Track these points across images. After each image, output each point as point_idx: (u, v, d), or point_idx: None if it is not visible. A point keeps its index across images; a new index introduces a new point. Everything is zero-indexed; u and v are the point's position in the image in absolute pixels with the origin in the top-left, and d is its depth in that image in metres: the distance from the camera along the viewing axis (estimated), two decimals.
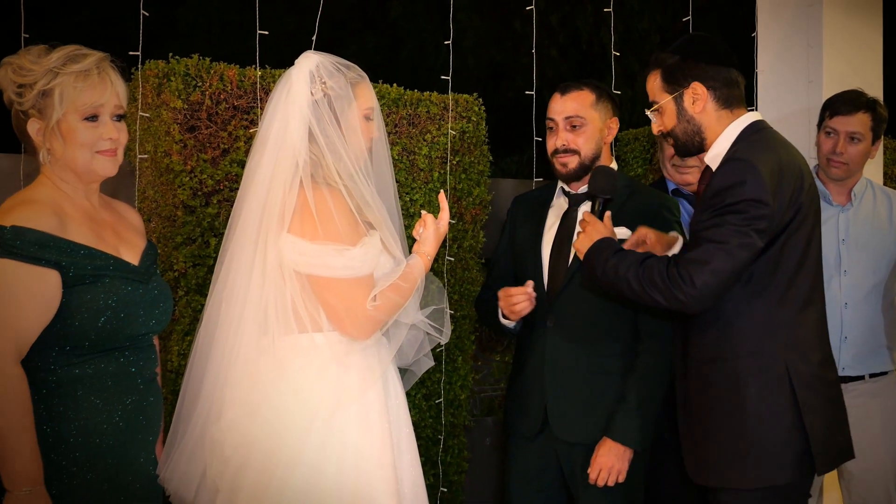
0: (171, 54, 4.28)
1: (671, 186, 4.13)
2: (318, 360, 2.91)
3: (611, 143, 3.76)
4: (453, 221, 4.93)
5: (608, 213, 3.37)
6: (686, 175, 4.06)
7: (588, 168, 3.66)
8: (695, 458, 3.22)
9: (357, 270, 2.86)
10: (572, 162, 3.67)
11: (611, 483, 3.48)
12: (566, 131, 3.66)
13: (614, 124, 3.75)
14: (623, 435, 3.48)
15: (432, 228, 3.17)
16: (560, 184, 3.80)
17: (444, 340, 3.18)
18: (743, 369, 3.10)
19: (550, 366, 3.61)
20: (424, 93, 5.01)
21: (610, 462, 3.47)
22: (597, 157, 3.68)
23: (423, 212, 3.23)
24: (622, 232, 3.53)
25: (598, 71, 11.03)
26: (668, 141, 3.40)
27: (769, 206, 3.01)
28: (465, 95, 5.15)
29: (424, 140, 4.92)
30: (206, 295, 3.99)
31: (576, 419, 3.57)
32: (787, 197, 3.07)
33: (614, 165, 3.76)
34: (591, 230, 3.28)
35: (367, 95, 3.06)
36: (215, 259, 4.27)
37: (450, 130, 4.93)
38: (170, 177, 4.21)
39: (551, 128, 3.72)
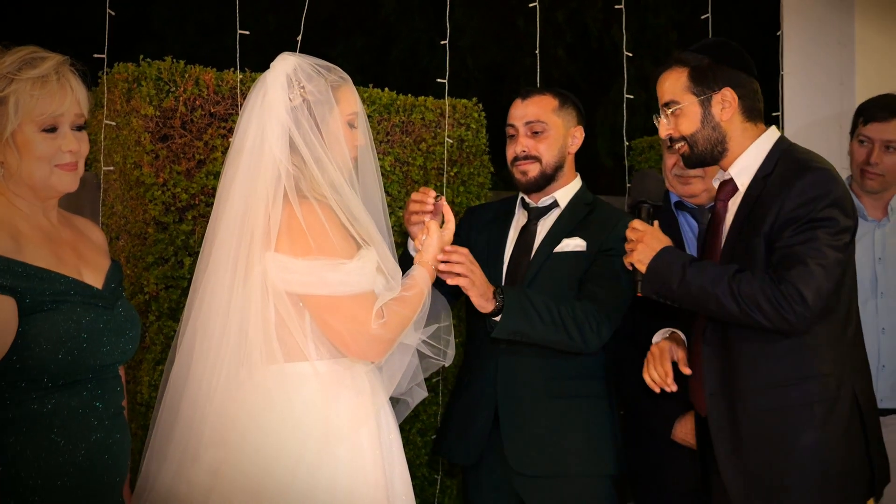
0: (141, 56, 4.28)
1: (674, 199, 4.13)
2: (306, 392, 2.88)
3: (574, 155, 3.84)
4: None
5: (657, 222, 3.38)
6: (690, 186, 4.05)
7: (550, 177, 3.77)
8: (751, 484, 3.22)
9: (356, 286, 2.85)
10: (533, 170, 3.76)
11: None
12: (526, 137, 3.77)
13: (579, 133, 3.84)
14: None
15: (436, 236, 3.21)
16: (520, 195, 3.86)
17: (447, 362, 3.18)
18: (815, 393, 3.16)
19: (503, 389, 3.61)
20: (419, 97, 5.02)
21: None
22: (559, 166, 3.78)
23: (426, 219, 3.26)
24: (576, 243, 3.65)
25: (609, 72, 11.05)
26: (674, 147, 3.41)
27: (851, 219, 3.14)
28: (464, 100, 5.15)
29: (419, 150, 4.92)
30: (180, 320, 3.98)
31: (534, 451, 3.58)
32: (851, 211, 3.18)
33: (577, 181, 3.83)
34: (649, 239, 3.28)
35: (349, 100, 3.05)
36: (190, 280, 4.27)
37: (447, 139, 4.93)
38: (140, 190, 4.20)
39: (511, 135, 3.83)
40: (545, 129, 3.77)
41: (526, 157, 3.77)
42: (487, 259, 3.75)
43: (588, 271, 3.65)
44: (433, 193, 3.40)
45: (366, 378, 2.99)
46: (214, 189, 4.28)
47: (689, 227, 4.07)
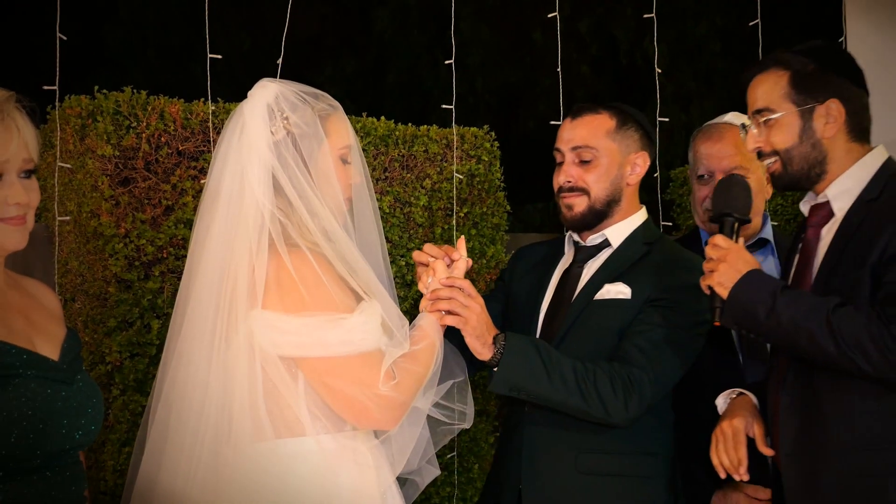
0: (96, 87, 4.34)
1: (705, 237, 4.15)
2: (302, 473, 2.89)
3: (637, 186, 3.77)
4: None
5: (742, 239, 3.34)
6: None
7: (600, 214, 3.69)
8: None
9: (360, 344, 2.86)
10: (579, 204, 3.68)
11: None
12: (573, 165, 3.69)
13: (642, 160, 3.74)
14: None
15: (443, 277, 3.22)
16: (570, 233, 3.83)
17: (467, 424, 3.18)
18: None
19: (528, 462, 3.58)
20: (421, 127, 5.07)
21: None
22: (612, 200, 3.68)
23: (431, 259, 3.26)
24: (619, 290, 3.60)
25: (643, 90, 11.11)
26: (767, 166, 3.39)
27: None
28: (474, 129, 5.20)
29: (423, 187, 4.95)
30: (149, 394, 3.98)
31: None
32: None
33: (640, 215, 3.77)
34: (733, 259, 3.20)
35: (341, 131, 3.07)
36: (159, 347, 4.30)
37: (455, 174, 4.96)
38: (99, 243, 4.25)
39: (559, 162, 3.75)
40: (595, 157, 3.66)
41: (571, 189, 3.71)
42: (524, 309, 3.73)
43: (630, 325, 3.56)
44: (436, 250, 3.38)
45: (370, 455, 2.99)
46: (185, 240, 4.32)
47: None
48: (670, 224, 5.75)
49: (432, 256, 3.34)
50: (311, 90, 3.10)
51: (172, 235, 4.33)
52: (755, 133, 3.34)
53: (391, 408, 2.90)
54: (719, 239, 3.25)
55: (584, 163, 3.66)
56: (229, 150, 3.05)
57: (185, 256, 4.27)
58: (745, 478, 3.29)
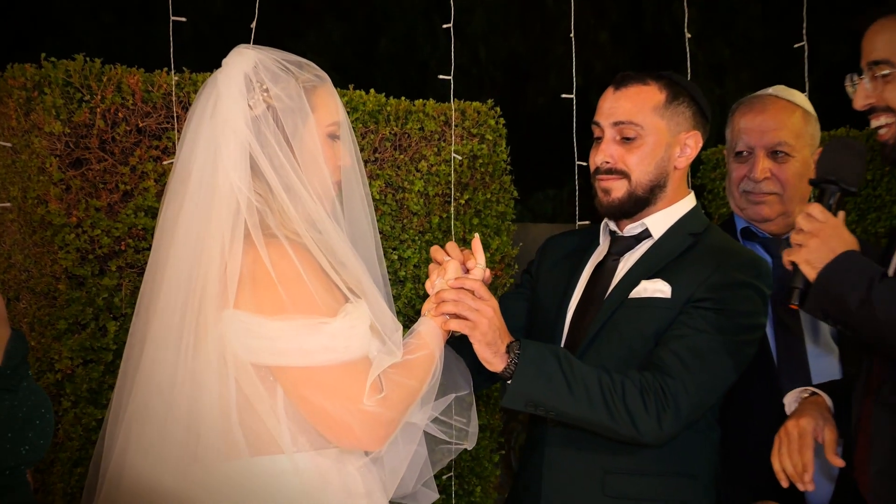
0: (44, 55, 4.33)
1: (740, 224, 4.14)
2: (280, 496, 2.89)
3: (687, 170, 3.73)
4: None
5: (842, 213, 3.25)
6: (762, 207, 4.06)
7: (642, 201, 3.61)
8: None
9: (344, 353, 2.84)
10: (618, 189, 3.61)
11: None
12: (614, 143, 3.63)
13: (693, 141, 3.68)
14: None
15: (453, 278, 3.19)
16: (606, 220, 3.78)
17: (469, 444, 3.16)
18: None
19: (549, 484, 3.57)
20: (416, 101, 5.06)
21: None
22: (657, 185, 3.61)
23: (445, 257, 3.24)
24: (657, 288, 3.53)
25: (669, 61, 11.11)
26: (878, 131, 3.32)
27: None
28: (476, 104, 5.19)
29: (418, 170, 4.95)
30: (105, 406, 3.97)
31: None
32: None
33: (687, 202, 3.72)
34: (828, 235, 3.07)
35: (329, 105, 3.05)
36: (116, 353, 4.29)
37: (454, 155, 4.96)
38: (47, 234, 4.24)
39: (597, 137, 3.69)
40: (640, 136, 3.58)
41: (609, 172, 3.66)
42: (549, 308, 3.70)
43: (668, 329, 3.48)
44: (457, 252, 3.36)
45: (359, 476, 2.99)
46: (145, 230, 4.31)
47: None
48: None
49: (449, 256, 3.34)
50: (295, 58, 3.10)
51: (132, 225, 4.32)
52: (867, 87, 3.26)
53: (376, 425, 2.88)
54: (815, 209, 3.15)
55: (626, 140, 3.60)
56: (201, 127, 3.04)
57: (147, 249, 4.28)
58: (811, 487, 3.21)
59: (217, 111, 3.03)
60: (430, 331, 3.07)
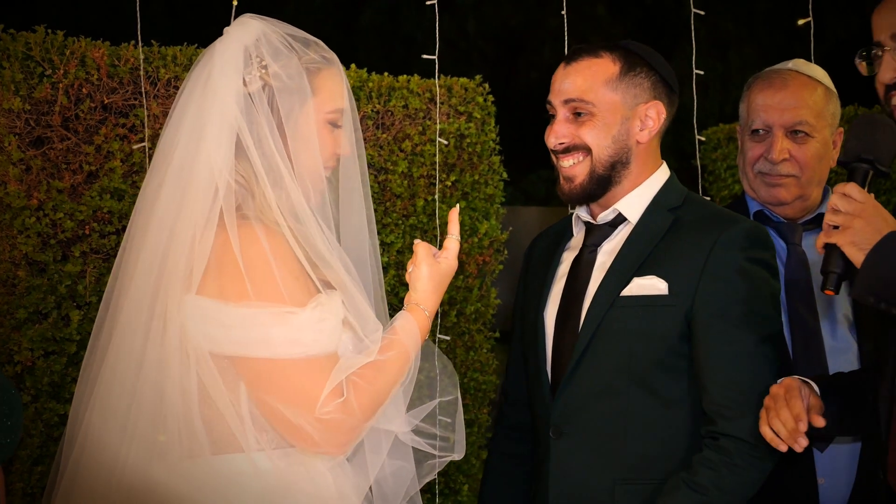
0: (2, 27, 4.30)
1: (753, 207, 4.12)
2: (236, 498, 2.87)
3: (654, 143, 3.67)
4: (453, 279, 4.91)
5: (872, 195, 3.21)
6: (779, 189, 4.04)
7: (605, 180, 3.57)
8: None
9: (311, 346, 2.83)
10: (580, 172, 3.59)
11: None
12: (566, 122, 3.60)
13: (655, 111, 3.62)
14: None
15: (425, 264, 3.12)
16: (577, 210, 3.74)
17: (457, 454, 3.13)
18: None
19: (557, 498, 3.56)
20: (399, 77, 5.03)
21: None
22: (618, 163, 3.56)
23: (417, 240, 3.19)
24: (652, 284, 3.49)
25: (671, 38, 11.10)
26: (892, 102, 3.30)
27: None
28: (463, 80, 5.16)
29: (402, 150, 4.92)
30: (68, 401, 3.95)
31: None
32: None
33: (658, 175, 3.68)
34: (871, 215, 3.04)
35: (334, 91, 3.03)
36: (80, 344, 4.26)
37: (440, 135, 4.93)
38: (5, 217, 4.21)
39: (551, 116, 3.66)
40: (591, 113, 3.55)
41: (567, 150, 3.60)
42: (529, 316, 3.70)
43: (698, 363, 3.40)
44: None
45: (330, 477, 2.97)
46: (111, 213, 4.28)
47: (778, 248, 4.07)
48: (708, 198, 5.74)
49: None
50: (304, 36, 3.08)
51: (96, 208, 4.28)
52: (892, 60, 3.20)
53: (336, 432, 2.85)
54: (853, 189, 3.08)
55: (577, 117, 3.57)
56: (190, 101, 3.03)
57: (113, 233, 4.25)
58: (804, 443, 3.13)
59: (209, 85, 3.02)
60: (406, 326, 3.01)
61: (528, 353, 3.68)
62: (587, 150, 3.54)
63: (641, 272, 3.47)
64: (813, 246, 3.92)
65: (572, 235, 3.73)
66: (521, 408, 3.81)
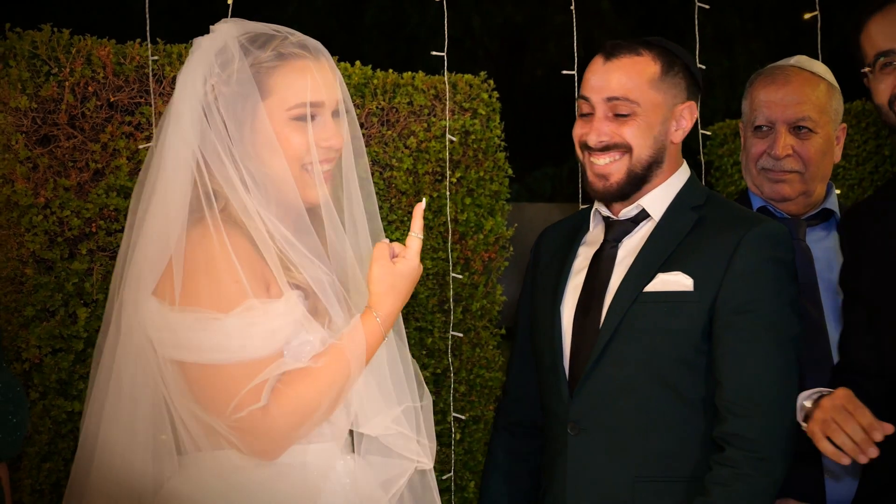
0: (8, 25, 4.31)
1: (756, 203, 4.13)
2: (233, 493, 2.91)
3: (681, 142, 3.68)
4: (459, 276, 4.93)
5: None
6: (783, 186, 4.06)
7: (640, 179, 3.57)
8: None
9: (238, 352, 2.84)
10: (617, 171, 3.54)
11: None
12: (606, 120, 3.57)
13: (689, 112, 3.62)
14: None
15: (376, 265, 3.03)
16: (597, 205, 3.72)
17: (427, 463, 3.12)
18: None
19: (574, 499, 3.55)
20: (404, 74, 5.04)
21: None
22: (655, 162, 3.56)
23: (380, 241, 3.13)
24: (678, 280, 3.49)
25: (676, 32, 11.10)
26: None
27: None
28: (469, 76, 5.17)
29: (407, 147, 4.94)
30: (74, 398, 3.98)
31: None
32: None
33: (681, 174, 3.68)
34: None
35: (295, 84, 3.00)
36: (87, 341, 4.29)
37: (446, 132, 4.95)
38: (13, 215, 4.24)
39: (586, 113, 3.63)
40: (635, 112, 3.54)
41: (606, 149, 3.56)
42: (545, 312, 3.67)
43: (715, 360, 3.41)
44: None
45: (280, 477, 2.98)
46: (117, 211, 4.30)
47: None
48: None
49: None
50: (268, 33, 3.07)
51: (103, 206, 4.31)
52: None
53: (252, 437, 2.87)
54: None
55: (619, 116, 3.55)
56: (176, 100, 3.07)
57: (119, 231, 4.26)
58: (874, 453, 3.05)
59: (186, 88, 3.05)
60: (352, 335, 2.96)
61: (542, 347, 3.67)
62: (627, 149, 3.54)
63: (666, 268, 3.47)
64: (817, 241, 3.99)
65: (588, 230, 3.73)
66: (525, 404, 3.83)
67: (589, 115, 3.57)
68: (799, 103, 3.97)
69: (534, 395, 3.75)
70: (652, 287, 3.47)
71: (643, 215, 3.60)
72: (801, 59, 4.11)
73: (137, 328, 2.92)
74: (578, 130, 3.59)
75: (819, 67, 4.09)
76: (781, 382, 3.37)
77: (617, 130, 3.51)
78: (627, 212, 3.61)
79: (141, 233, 2.96)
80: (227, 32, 3.04)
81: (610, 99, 3.53)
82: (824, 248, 3.96)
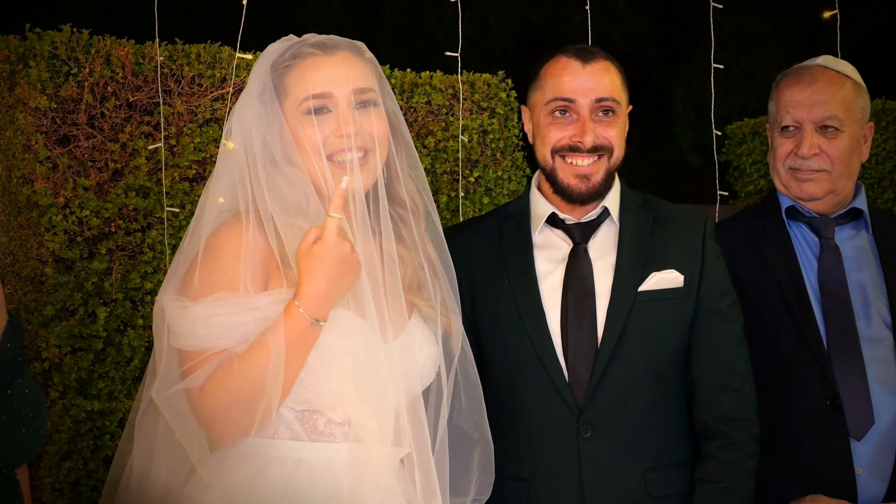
0: (28, 26, 4.35)
1: (785, 203, 4.12)
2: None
3: None
4: None
5: None
6: (810, 184, 4.05)
7: (612, 180, 3.69)
8: None
9: (203, 340, 2.90)
10: (598, 171, 3.65)
11: None
12: (597, 121, 3.64)
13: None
14: None
15: (299, 247, 2.94)
16: (536, 206, 3.73)
17: None
18: None
19: (592, 496, 3.56)
20: (422, 73, 5.06)
21: None
22: (618, 165, 3.72)
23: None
24: (668, 278, 3.60)
25: (692, 32, 11.09)
26: None
27: None
28: (486, 75, 5.18)
29: (424, 146, 4.96)
30: (95, 398, 4.01)
31: None
32: None
33: (618, 179, 3.77)
34: None
35: (306, 78, 3.06)
36: (106, 340, 4.31)
37: (462, 131, 4.96)
38: (33, 215, 4.27)
39: (562, 109, 3.67)
40: (616, 111, 3.65)
41: (594, 150, 3.62)
42: (514, 319, 3.62)
43: (697, 347, 3.60)
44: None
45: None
46: (136, 211, 4.33)
47: (807, 243, 4.07)
48: (727, 193, 5.75)
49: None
50: (298, 39, 3.13)
51: (122, 205, 4.34)
52: None
53: (201, 419, 2.92)
54: None
55: (606, 113, 3.64)
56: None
57: (137, 230, 4.30)
58: None
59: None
60: (275, 323, 2.93)
61: (518, 352, 3.64)
62: (609, 151, 3.63)
63: (656, 267, 3.58)
64: (845, 240, 4.00)
65: (527, 234, 3.74)
66: None
67: (567, 114, 3.63)
68: (825, 103, 3.97)
69: None
70: (647, 286, 3.57)
71: (605, 215, 3.68)
72: (828, 59, 4.12)
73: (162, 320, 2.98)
74: (558, 133, 3.63)
75: (845, 67, 4.10)
76: (749, 362, 3.60)
77: (604, 132, 3.59)
78: (592, 214, 3.67)
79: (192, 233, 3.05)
80: (270, 51, 3.12)
81: (600, 99, 3.62)
82: (853, 248, 3.98)
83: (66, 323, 4.25)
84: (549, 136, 3.65)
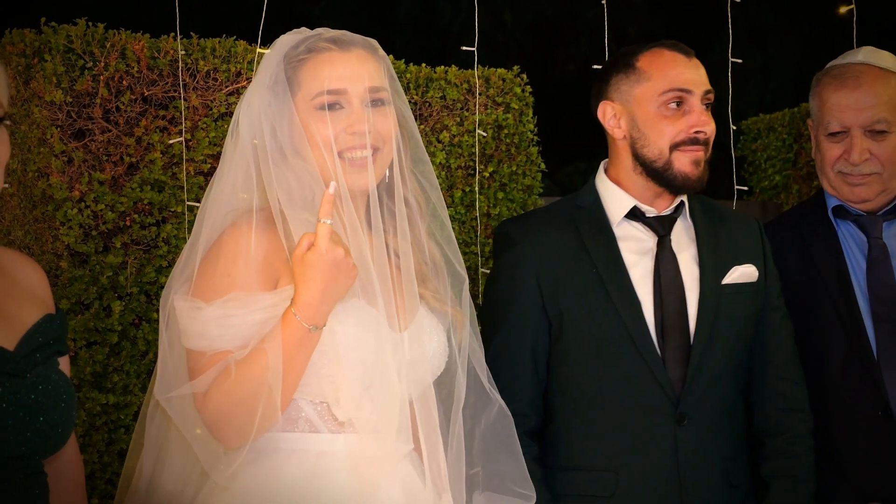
0: (43, 20, 4.35)
1: (832, 203, 4.10)
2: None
3: None
4: (489, 272, 4.94)
5: None
6: (861, 189, 4.03)
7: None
8: None
9: (217, 341, 2.91)
10: (703, 160, 3.74)
11: None
12: (705, 113, 3.72)
13: None
14: None
15: (293, 254, 2.95)
16: (615, 198, 3.74)
17: None
18: None
19: (689, 485, 3.59)
20: (437, 68, 5.06)
21: None
22: None
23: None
24: (748, 272, 3.72)
25: (709, 26, 11.07)
26: None
27: None
28: (501, 70, 5.18)
29: (439, 141, 4.96)
30: (109, 390, 4.02)
31: None
32: None
33: None
34: None
35: (318, 73, 3.06)
36: (121, 334, 4.32)
37: (478, 126, 4.96)
38: (48, 209, 4.28)
39: (678, 101, 3.71)
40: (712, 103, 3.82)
41: (707, 142, 3.74)
42: (604, 307, 3.67)
43: (761, 341, 3.79)
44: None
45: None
46: (151, 205, 4.34)
47: (855, 242, 4.04)
48: (746, 188, 5.73)
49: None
50: (312, 33, 3.13)
51: (137, 199, 4.35)
52: None
53: (206, 423, 2.94)
54: None
55: (708, 108, 3.75)
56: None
57: (152, 224, 4.30)
58: None
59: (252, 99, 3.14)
60: (274, 329, 2.94)
61: (616, 347, 3.67)
62: (707, 146, 3.75)
63: (734, 261, 3.73)
64: (893, 237, 3.99)
65: (606, 226, 3.77)
66: (536, 408, 3.77)
67: (682, 104, 3.69)
68: (872, 106, 3.90)
69: (538, 397, 3.76)
70: (729, 279, 3.71)
71: (680, 208, 3.77)
72: (869, 53, 4.04)
73: (171, 320, 2.99)
74: (674, 127, 3.67)
75: (887, 59, 4.02)
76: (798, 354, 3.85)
77: (707, 123, 3.69)
78: (672, 207, 3.76)
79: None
80: (288, 41, 3.11)
81: (708, 92, 3.73)
82: None
83: (81, 317, 4.26)
84: (665, 129, 3.71)
